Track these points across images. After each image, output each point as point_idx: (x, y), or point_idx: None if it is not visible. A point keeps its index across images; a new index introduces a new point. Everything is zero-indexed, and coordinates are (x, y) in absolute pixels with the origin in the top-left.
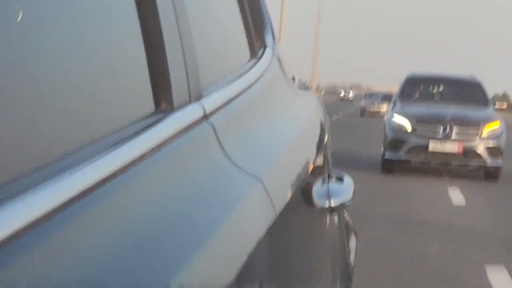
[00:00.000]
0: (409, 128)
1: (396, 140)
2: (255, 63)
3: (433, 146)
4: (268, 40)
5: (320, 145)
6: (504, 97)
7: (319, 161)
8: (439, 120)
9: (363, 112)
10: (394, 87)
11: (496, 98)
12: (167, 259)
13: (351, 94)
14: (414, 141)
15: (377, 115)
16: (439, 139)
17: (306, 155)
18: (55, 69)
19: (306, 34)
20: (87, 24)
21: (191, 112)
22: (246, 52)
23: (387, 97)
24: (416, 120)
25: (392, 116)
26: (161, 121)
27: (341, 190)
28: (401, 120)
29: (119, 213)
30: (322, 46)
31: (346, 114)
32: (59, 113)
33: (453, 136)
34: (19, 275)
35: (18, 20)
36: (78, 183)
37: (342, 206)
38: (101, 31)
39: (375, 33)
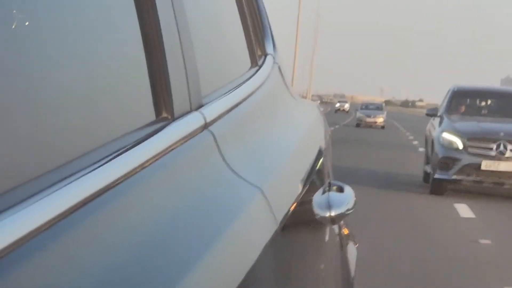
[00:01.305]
0: (460, 145)
1: (447, 159)
2: (256, 72)
3: (486, 164)
4: (269, 48)
5: (321, 154)
6: None
7: (320, 170)
8: (491, 137)
9: (359, 123)
10: (376, 97)
11: None
12: (167, 269)
13: (347, 105)
14: (466, 159)
15: (373, 125)
16: (492, 157)
17: (307, 164)
18: (56, 78)
19: (292, 45)
20: (88, 32)
21: (192, 121)
22: (247, 60)
23: (432, 112)
24: (468, 138)
25: (442, 133)
26: (161, 129)
27: (342, 200)
28: (451, 138)
29: (119, 221)
30: (306, 57)
31: (344, 124)
32: (60, 121)
33: (508, 154)
34: (22, 281)
35: (17, 26)
36: (78, 192)
37: (342, 216)
38: (102, 40)
39: (357, 44)
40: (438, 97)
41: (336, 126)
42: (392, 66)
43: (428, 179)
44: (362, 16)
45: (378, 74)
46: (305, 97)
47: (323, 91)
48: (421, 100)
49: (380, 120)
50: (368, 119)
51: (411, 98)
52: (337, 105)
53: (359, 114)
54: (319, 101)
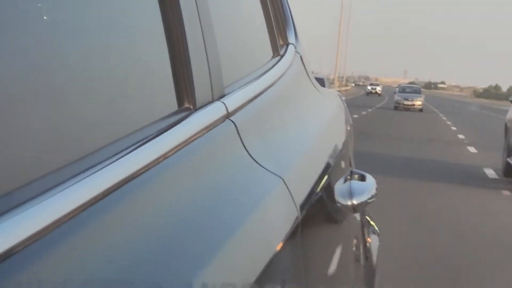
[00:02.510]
0: None
1: None
2: (278, 61)
3: None
4: (291, 37)
5: (342, 143)
6: None
7: (341, 159)
8: None
9: (397, 106)
10: (400, 78)
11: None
12: (190, 256)
13: (379, 88)
14: None
15: (411, 108)
16: None
17: (328, 153)
18: (78, 68)
19: (326, 27)
20: (111, 22)
21: (214, 111)
22: (269, 50)
23: None
24: None
25: None
26: (183, 119)
27: (364, 188)
28: None
29: (142, 211)
30: (332, 39)
31: (378, 107)
32: (82, 111)
33: None
34: (36, 277)
35: (38, 18)
36: (102, 182)
37: (364, 205)
38: (124, 30)
39: (380, 26)
40: (459, 80)
41: (368, 110)
42: (416, 48)
43: (511, 173)
44: (388, 2)
45: (402, 56)
46: (341, 80)
47: (347, 73)
48: (443, 83)
49: (418, 103)
50: (406, 102)
51: (433, 80)
52: (369, 87)
53: (397, 97)
54: (353, 84)
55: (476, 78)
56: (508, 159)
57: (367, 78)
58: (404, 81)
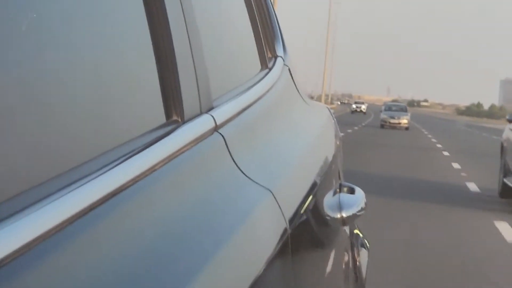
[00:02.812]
0: None
1: None
2: (266, 74)
3: None
4: (279, 50)
5: (331, 156)
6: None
7: (330, 172)
8: None
9: (383, 125)
10: (383, 96)
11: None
12: (177, 270)
13: (363, 107)
14: None
15: (397, 126)
16: None
17: (317, 166)
18: (65, 80)
19: (309, 45)
20: (98, 35)
21: (202, 123)
22: (257, 63)
23: None
24: None
25: None
26: (172, 132)
27: (353, 201)
28: None
29: (129, 224)
30: (315, 57)
31: (364, 125)
32: (69, 124)
33: None
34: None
35: (27, 28)
36: (88, 196)
37: (353, 218)
38: (112, 43)
39: (363, 44)
40: (442, 98)
41: (359, 126)
42: (398, 66)
43: (507, 194)
44: (369, 17)
45: (384, 74)
46: (326, 98)
47: (331, 91)
48: (426, 100)
49: (404, 121)
50: (392, 120)
51: (416, 98)
52: (353, 106)
53: (383, 115)
54: (339, 102)
55: (459, 95)
56: (505, 179)
57: (350, 96)
58: (387, 99)
